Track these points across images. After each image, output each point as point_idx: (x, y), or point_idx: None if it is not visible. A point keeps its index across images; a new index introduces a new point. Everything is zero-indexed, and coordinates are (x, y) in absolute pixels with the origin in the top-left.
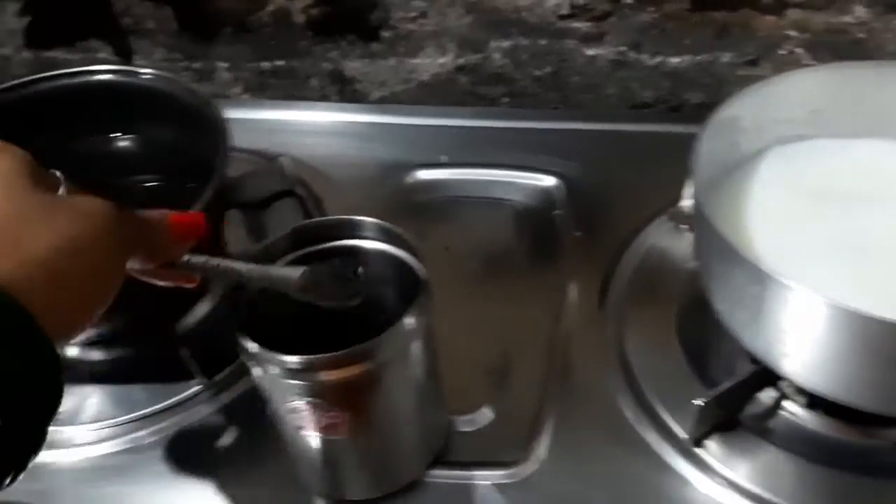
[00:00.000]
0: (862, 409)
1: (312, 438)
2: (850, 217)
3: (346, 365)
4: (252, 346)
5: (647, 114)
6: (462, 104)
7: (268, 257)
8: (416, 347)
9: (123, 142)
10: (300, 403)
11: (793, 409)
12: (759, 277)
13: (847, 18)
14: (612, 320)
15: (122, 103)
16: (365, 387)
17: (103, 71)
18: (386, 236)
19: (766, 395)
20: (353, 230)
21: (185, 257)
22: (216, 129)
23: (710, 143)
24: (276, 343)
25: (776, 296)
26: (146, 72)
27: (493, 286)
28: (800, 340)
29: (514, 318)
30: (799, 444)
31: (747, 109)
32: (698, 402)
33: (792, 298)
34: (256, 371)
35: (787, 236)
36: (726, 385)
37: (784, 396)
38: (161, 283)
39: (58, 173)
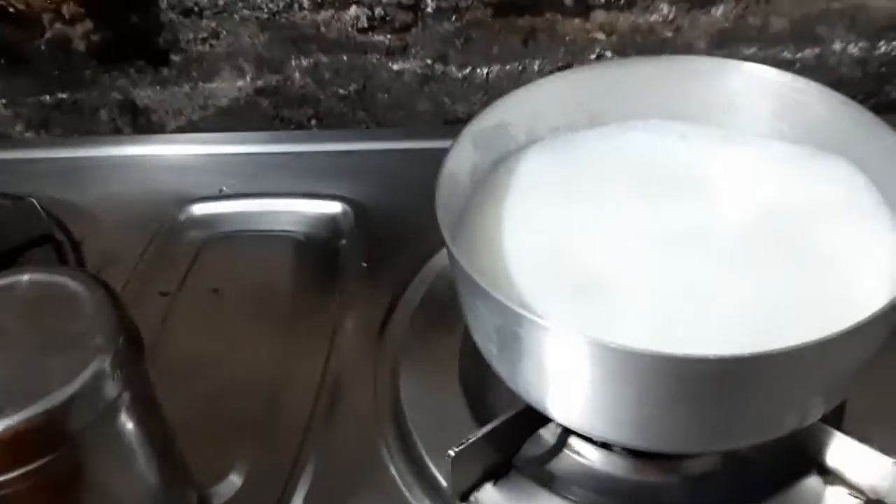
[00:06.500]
0: (632, 447)
1: None
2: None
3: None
4: None
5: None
6: (267, 130)
7: None
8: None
9: None
10: None
11: (578, 448)
12: (501, 310)
13: (654, 17)
14: (388, 360)
15: None
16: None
17: None
18: None
19: (549, 433)
20: None
21: None
22: None
23: (471, 155)
24: None
25: (525, 331)
26: None
27: (263, 329)
28: (557, 377)
29: (284, 362)
30: (584, 487)
31: (513, 116)
32: (451, 452)
33: (541, 334)
34: None
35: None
36: (488, 427)
37: (570, 432)
38: None
39: None
